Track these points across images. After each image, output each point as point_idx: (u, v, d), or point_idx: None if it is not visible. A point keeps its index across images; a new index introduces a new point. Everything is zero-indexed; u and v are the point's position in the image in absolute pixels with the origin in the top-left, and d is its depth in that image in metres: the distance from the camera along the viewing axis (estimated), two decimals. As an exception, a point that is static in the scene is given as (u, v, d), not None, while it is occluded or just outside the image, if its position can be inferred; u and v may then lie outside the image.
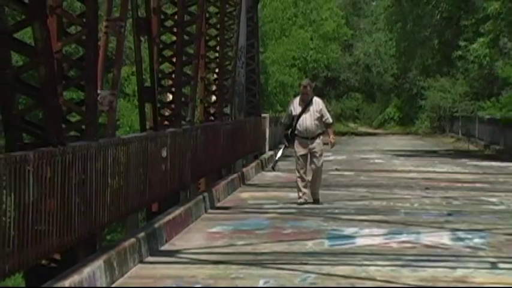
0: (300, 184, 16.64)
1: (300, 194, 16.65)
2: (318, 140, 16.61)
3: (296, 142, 16.68)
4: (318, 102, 16.79)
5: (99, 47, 12.02)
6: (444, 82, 57.99)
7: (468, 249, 12.31)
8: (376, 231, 13.75)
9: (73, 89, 11.39)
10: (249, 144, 26.30)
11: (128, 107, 34.50)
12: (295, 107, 16.73)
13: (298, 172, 16.59)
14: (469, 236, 13.31)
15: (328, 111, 17.35)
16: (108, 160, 10.86)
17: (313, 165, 16.62)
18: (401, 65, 63.26)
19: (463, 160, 32.46)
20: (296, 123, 16.58)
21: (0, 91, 9.27)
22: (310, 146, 16.56)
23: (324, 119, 16.64)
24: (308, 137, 16.54)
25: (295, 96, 18.20)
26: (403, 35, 55.73)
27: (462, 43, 47.82)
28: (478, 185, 22.20)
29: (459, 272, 10.55)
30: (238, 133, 24.04)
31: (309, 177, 16.70)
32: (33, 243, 8.39)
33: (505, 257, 11.73)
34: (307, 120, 16.52)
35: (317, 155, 16.64)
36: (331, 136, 17.04)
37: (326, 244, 12.65)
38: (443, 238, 13.19)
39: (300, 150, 16.64)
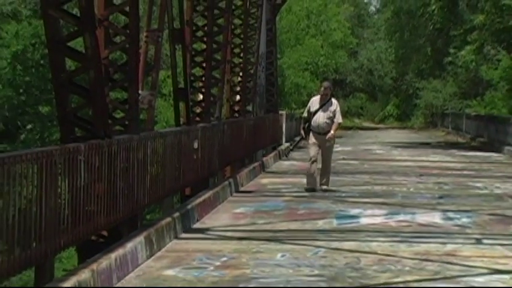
0: (310, 172, 16.52)
1: (308, 178, 16.54)
2: (328, 136, 16.49)
3: (311, 135, 16.60)
4: (334, 103, 16.63)
5: (140, 54, 12.04)
6: (436, 84, 57.83)
7: (457, 227, 12.28)
8: (377, 211, 13.73)
9: (118, 90, 11.40)
10: (268, 137, 26.27)
11: (165, 105, 34.61)
12: (314, 104, 16.65)
13: (310, 162, 16.50)
14: (458, 216, 13.28)
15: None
16: (148, 151, 10.87)
17: (323, 157, 16.51)
18: (399, 69, 63.04)
19: (453, 151, 32.33)
20: (312, 119, 16.51)
21: (56, 92, 9.30)
22: (322, 140, 16.44)
23: (335, 118, 16.50)
24: (320, 133, 16.44)
25: (315, 94, 18.14)
26: (400, 43, 55.57)
27: (452, 50, 47.72)
28: (465, 172, 22.12)
29: (449, 247, 10.52)
30: (259, 128, 24.01)
31: (319, 166, 16.62)
32: (84, 222, 8.42)
33: (488, 233, 11.69)
34: (321, 118, 16.42)
35: (329, 147, 16.54)
36: (332, 131, 16.73)
37: (334, 223, 12.63)
38: (435, 218, 13.15)
39: (312, 143, 16.55)
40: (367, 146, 35.44)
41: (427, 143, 39.50)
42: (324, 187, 16.36)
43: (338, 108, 16.74)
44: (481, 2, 39.92)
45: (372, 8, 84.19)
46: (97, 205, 8.78)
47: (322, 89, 17.15)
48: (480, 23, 40.13)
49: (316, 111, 16.49)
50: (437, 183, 18.62)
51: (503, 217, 13.49)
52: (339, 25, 61.37)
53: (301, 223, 12.53)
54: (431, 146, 36.45)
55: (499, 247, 10.65)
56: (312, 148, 16.52)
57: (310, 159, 16.44)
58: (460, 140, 42.55)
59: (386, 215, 13.39)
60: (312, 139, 16.55)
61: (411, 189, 17.37)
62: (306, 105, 17.36)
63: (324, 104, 16.50)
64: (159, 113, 33.82)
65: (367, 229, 11.98)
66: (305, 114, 17.07)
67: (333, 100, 16.76)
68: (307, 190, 16.34)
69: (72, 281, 7.20)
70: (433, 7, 46.71)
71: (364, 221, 12.86)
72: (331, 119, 16.46)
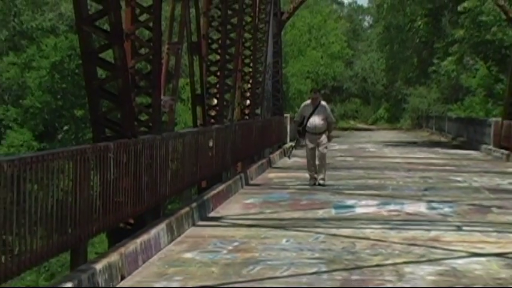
0: (310, 170, 16.46)
1: (310, 176, 16.48)
2: (324, 135, 16.38)
3: (307, 136, 16.50)
4: (325, 106, 16.59)
5: (162, 64, 12.05)
6: (422, 90, 57.85)
7: (440, 216, 12.25)
8: (370, 202, 13.70)
9: (143, 96, 11.39)
10: (274, 137, 26.26)
11: (184, 109, 34.65)
12: (307, 108, 16.55)
13: (308, 161, 16.43)
14: (441, 206, 13.25)
15: (332, 112, 17.15)
16: (169, 149, 10.87)
17: (319, 154, 16.39)
18: (389, 77, 62.96)
19: (436, 149, 32.27)
20: (307, 121, 16.39)
21: (89, 97, 9.30)
22: (318, 140, 16.34)
23: (328, 119, 16.42)
24: (316, 133, 16.33)
25: (307, 99, 18.12)
26: (390, 54, 55.46)
27: (435, 61, 47.67)
28: (447, 167, 22.07)
29: (433, 233, 10.50)
30: (266, 128, 24.00)
31: (317, 162, 16.53)
32: (113, 211, 8.42)
33: (468, 221, 11.66)
34: (316, 120, 16.31)
35: (323, 146, 16.41)
36: (330, 133, 16.65)
37: (333, 212, 12.61)
38: (421, 207, 13.13)
39: (310, 143, 16.43)
40: (362, 144, 35.39)
41: (414, 142, 39.42)
42: (322, 182, 16.27)
43: (329, 110, 16.70)
44: (461, 19, 39.82)
45: (366, 24, 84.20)
46: (124, 196, 8.78)
47: (313, 94, 17.14)
48: (460, 36, 40.04)
49: (310, 115, 16.39)
50: (422, 178, 18.59)
51: (480, 207, 13.46)
52: (336, 38, 61.46)
53: (304, 212, 12.51)
54: (417, 144, 36.37)
55: (477, 233, 10.63)
56: (310, 152, 16.38)
57: (310, 163, 16.31)
58: (443, 139, 42.47)
59: (378, 205, 13.37)
60: (308, 141, 16.42)
61: (400, 183, 17.34)
62: (298, 111, 17.29)
63: (316, 108, 16.40)
64: (179, 115, 33.90)
65: (362, 217, 11.96)
66: (297, 118, 16.98)
67: (323, 103, 16.68)
68: (312, 185, 16.26)
69: (103, 262, 7.20)
70: (419, 23, 46.60)
71: (358, 210, 12.84)
72: (325, 119, 16.38)
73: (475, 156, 27.58)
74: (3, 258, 6.02)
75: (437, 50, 47.11)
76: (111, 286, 7.18)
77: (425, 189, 15.91)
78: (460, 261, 8.68)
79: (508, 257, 8.96)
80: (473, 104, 45.23)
